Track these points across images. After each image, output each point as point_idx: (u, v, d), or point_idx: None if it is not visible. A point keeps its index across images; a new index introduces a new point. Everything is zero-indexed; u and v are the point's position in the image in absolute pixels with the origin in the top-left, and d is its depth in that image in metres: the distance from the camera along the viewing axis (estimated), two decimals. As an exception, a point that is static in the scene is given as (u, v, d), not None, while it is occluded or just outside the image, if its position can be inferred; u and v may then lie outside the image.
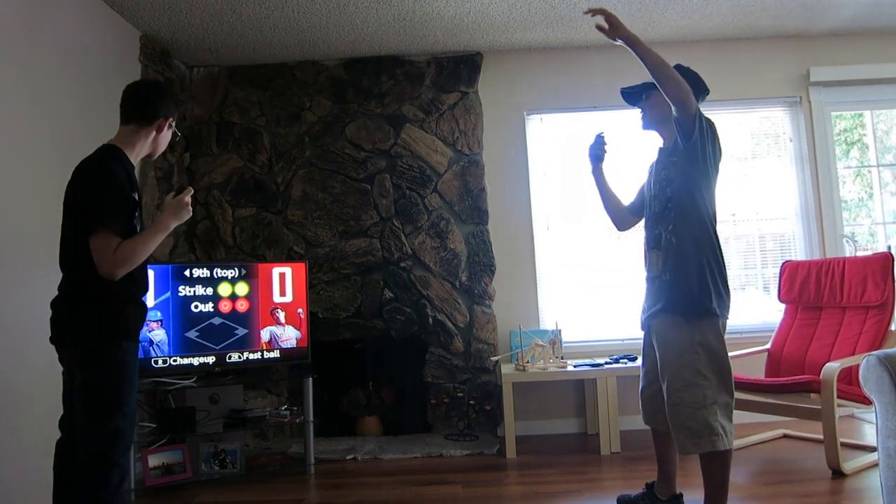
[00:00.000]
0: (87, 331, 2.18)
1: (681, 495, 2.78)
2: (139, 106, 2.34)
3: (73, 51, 3.35)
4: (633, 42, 2.41)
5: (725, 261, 2.51)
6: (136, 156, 2.34)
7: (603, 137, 2.82)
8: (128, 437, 2.19)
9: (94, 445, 2.14)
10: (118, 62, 3.75)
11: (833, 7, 4.18)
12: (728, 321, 2.52)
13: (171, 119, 2.40)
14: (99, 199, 2.14)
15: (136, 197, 2.27)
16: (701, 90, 2.60)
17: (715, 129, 2.49)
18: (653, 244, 2.60)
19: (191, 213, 2.37)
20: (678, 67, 2.51)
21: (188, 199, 2.36)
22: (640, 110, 2.71)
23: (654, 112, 2.62)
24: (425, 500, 3.25)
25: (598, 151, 2.81)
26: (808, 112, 4.64)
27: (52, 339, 2.23)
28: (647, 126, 2.69)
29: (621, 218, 2.87)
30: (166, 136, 2.42)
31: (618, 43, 2.46)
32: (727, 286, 2.49)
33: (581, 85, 4.65)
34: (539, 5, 3.95)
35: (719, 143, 2.51)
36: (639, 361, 4.07)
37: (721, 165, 2.54)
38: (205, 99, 4.66)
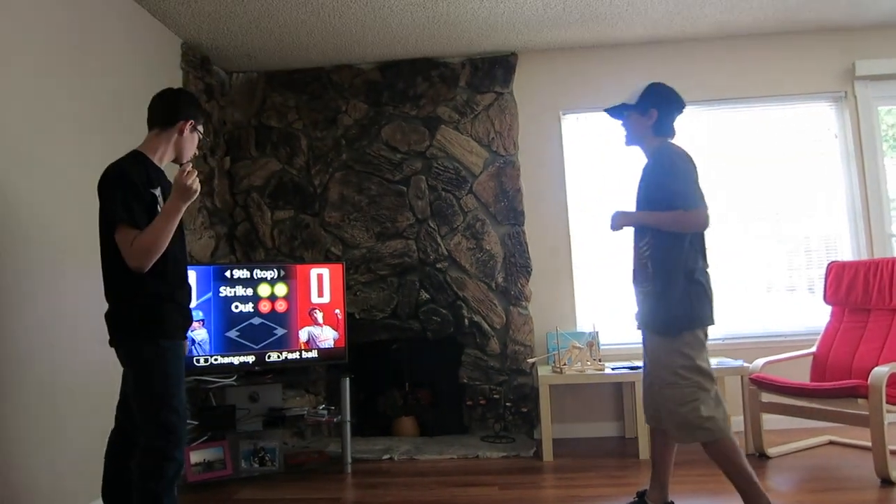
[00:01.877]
0: (123, 330, 2.27)
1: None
2: (160, 110, 2.41)
3: (117, 58, 3.45)
4: (638, 222, 2.69)
5: (708, 269, 2.62)
6: (159, 158, 2.40)
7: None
8: (180, 432, 2.26)
9: (150, 440, 2.22)
10: (160, 69, 3.85)
11: (880, -1, 4.06)
12: (710, 327, 2.64)
13: (193, 122, 2.44)
14: (114, 197, 2.21)
15: (158, 193, 2.32)
16: (678, 108, 2.73)
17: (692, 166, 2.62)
18: (636, 258, 2.73)
19: (198, 191, 2.26)
20: (654, 85, 2.71)
21: (184, 177, 2.22)
22: (623, 129, 2.82)
23: (634, 130, 2.75)
24: (461, 501, 3.25)
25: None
26: (853, 107, 4.50)
27: (109, 342, 2.31)
28: (629, 142, 2.81)
29: None
30: (190, 138, 2.45)
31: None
32: (703, 297, 2.58)
33: (617, 83, 4.57)
34: (574, 4, 3.92)
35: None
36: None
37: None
38: (244, 104, 4.75)
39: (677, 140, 2.74)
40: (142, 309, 2.25)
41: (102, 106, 3.30)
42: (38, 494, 2.72)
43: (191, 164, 2.34)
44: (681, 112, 2.73)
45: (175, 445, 2.23)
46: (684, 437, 2.56)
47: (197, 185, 2.26)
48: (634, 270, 2.74)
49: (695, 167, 2.59)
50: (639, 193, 2.75)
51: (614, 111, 2.81)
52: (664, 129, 2.70)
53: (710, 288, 2.60)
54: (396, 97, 4.66)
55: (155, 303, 2.27)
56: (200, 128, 2.50)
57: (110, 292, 2.30)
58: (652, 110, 2.67)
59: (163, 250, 2.23)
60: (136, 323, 2.25)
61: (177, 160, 2.48)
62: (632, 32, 4.41)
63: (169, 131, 2.40)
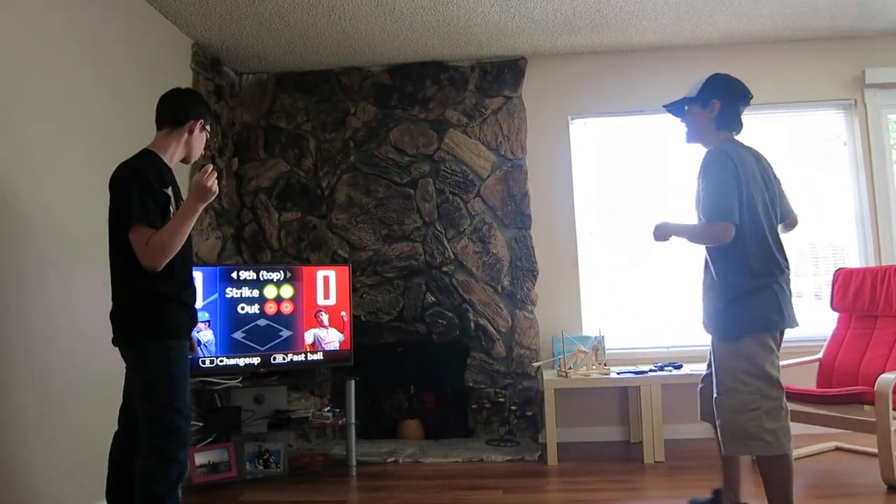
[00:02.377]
0: (131, 330, 2.27)
1: None
2: (171, 110, 2.42)
3: (128, 58, 3.47)
4: (674, 234, 2.60)
5: (784, 271, 2.52)
6: (170, 157, 2.41)
7: None
8: (184, 434, 2.25)
9: (153, 441, 2.22)
10: (171, 69, 3.86)
11: (889, 6, 4.05)
12: (786, 332, 2.55)
13: (202, 121, 2.46)
14: (128, 196, 2.22)
15: (171, 192, 2.33)
16: (743, 99, 2.60)
17: (735, 167, 2.44)
18: (704, 263, 2.64)
19: (216, 193, 2.29)
20: (716, 75, 2.59)
21: (204, 178, 2.25)
22: (684, 125, 2.70)
23: (695, 124, 2.63)
24: (466, 504, 3.25)
25: None
26: (863, 115, 4.49)
27: (112, 341, 2.31)
28: (689, 139, 2.69)
29: None
30: (199, 138, 2.47)
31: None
32: (771, 300, 2.46)
33: (626, 89, 4.60)
34: (584, 9, 3.93)
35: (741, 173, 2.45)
36: (683, 370, 4.03)
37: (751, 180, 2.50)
38: (253, 105, 4.77)
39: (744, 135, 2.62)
40: (149, 308, 2.26)
41: (111, 105, 3.31)
42: (38, 496, 2.71)
43: (211, 166, 2.33)
44: (747, 104, 2.59)
45: (178, 447, 2.23)
46: (739, 447, 2.43)
47: (216, 187, 2.28)
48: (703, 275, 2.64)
49: (737, 173, 2.41)
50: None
51: (674, 108, 2.66)
52: (728, 122, 2.56)
53: (781, 291, 2.47)
54: (405, 100, 4.68)
55: (162, 303, 2.27)
56: (208, 127, 2.52)
57: (118, 291, 2.30)
58: (714, 101, 2.53)
59: (177, 250, 2.24)
60: (143, 322, 2.25)
61: (185, 160, 2.50)
62: (641, 38, 4.42)
63: (179, 131, 2.41)
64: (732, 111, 2.56)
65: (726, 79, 2.59)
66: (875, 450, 3.21)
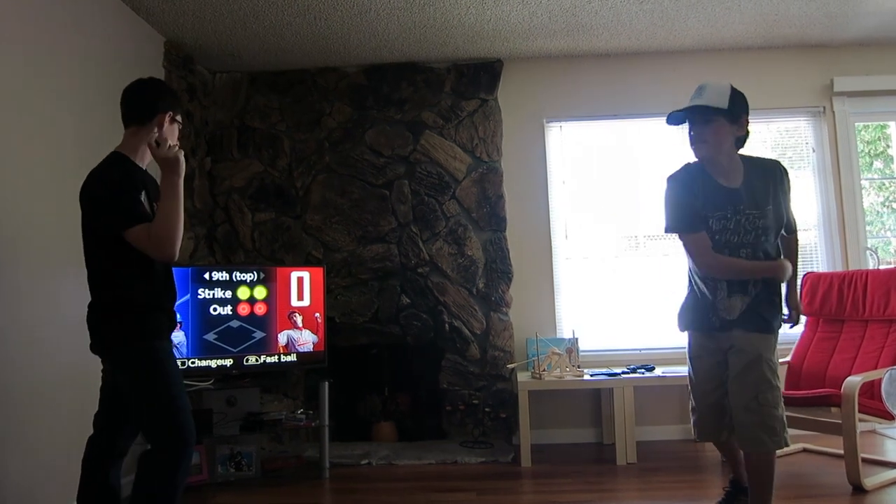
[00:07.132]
0: (116, 337, 2.20)
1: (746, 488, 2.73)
2: (136, 106, 2.28)
3: (97, 55, 3.40)
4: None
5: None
6: (141, 157, 2.28)
7: None
8: (191, 428, 2.22)
9: (164, 441, 2.19)
10: (142, 67, 3.77)
11: (858, 16, 4.13)
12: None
13: (171, 113, 2.30)
14: (108, 206, 2.13)
15: (144, 198, 2.24)
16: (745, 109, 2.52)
17: None
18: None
19: (182, 159, 2.18)
20: (736, 89, 2.49)
21: (160, 150, 2.15)
22: (696, 134, 2.50)
23: (718, 138, 2.45)
24: (439, 506, 3.25)
25: None
26: (831, 122, 4.58)
27: (91, 348, 2.24)
28: (706, 153, 2.50)
29: None
30: (170, 131, 2.30)
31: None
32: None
33: (601, 93, 4.64)
34: (560, 13, 3.95)
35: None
36: (656, 372, 4.07)
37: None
38: (227, 104, 4.71)
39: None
40: (131, 315, 2.20)
41: (80, 103, 3.23)
42: (9, 502, 2.65)
43: (156, 132, 2.19)
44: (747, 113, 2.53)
45: (190, 440, 2.21)
46: (776, 440, 2.40)
47: (177, 153, 2.17)
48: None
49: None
50: (757, 197, 2.48)
51: (688, 113, 2.44)
52: (746, 138, 2.48)
53: None
54: (381, 101, 4.66)
55: (143, 309, 2.22)
56: (179, 118, 2.36)
57: (97, 299, 2.24)
58: (744, 118, 2.41)
59: (181, 230, 2.16)
60: (126, 329, 2.19)
61: None
62: (616, 43, 4.46)
63: (148, 127, 2.25)
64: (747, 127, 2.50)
65: (742, 94, 2.45)
66: (841, 451, 3.27)
